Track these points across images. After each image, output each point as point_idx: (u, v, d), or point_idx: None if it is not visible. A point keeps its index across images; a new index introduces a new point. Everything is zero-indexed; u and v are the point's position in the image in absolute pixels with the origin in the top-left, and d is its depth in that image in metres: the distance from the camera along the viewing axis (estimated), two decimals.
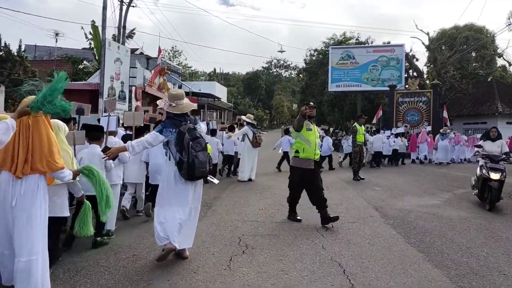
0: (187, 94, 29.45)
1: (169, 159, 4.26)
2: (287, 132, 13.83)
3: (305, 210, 6.56)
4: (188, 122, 4.29)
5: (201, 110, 32.34)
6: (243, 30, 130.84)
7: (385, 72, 28.68)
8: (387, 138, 15.88)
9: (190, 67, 59.48)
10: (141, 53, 31.19)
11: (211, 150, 9.76)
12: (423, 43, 30.53)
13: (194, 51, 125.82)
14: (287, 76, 77.96)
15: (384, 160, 16.71)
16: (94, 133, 5.01)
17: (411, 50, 31.78)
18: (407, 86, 25.84)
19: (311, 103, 6.72)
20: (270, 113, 69.51)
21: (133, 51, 28.57)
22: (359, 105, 29.54)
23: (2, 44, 22.43)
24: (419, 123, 24.22)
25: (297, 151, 6.23)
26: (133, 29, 21.41)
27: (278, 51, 28.07)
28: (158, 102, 4.57)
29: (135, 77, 14.51)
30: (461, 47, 30.17)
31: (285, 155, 13.19)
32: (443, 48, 31.70)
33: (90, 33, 21.29)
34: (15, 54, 22.80)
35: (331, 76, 29.39)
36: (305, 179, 6.13)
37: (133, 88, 13.94)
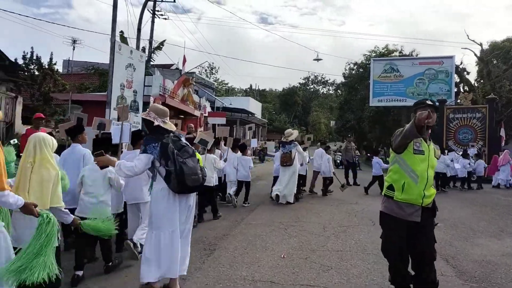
0: (217, 109, 28.75)
1: (155, 179, 3.81)
2: (324, 145, 12.22)
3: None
4: (171, 135, 3.87)
5: (234, 126, 31.09)
6: (281, 48, 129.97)
7: (432, 85, 26.34)
8: (451, 161, 14.01)
9: (227, 84, 59.40)
10: (177, 69, 30.48)
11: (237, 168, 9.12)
12: (475, 55, 27.91)
13: (231, 67, 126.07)
14: (325, 92, 76.15)
15: (449, 183, 14.71)
16: (99, 147, 4.40)
17: (461, 63, 29.16)
18: (458, 101, 23.30)
19: (429, 101, 3.67)
20: (307, 130, 67.59)
21: (168, 66, 27.90)
22: (404, 121, 27.13)
23: (34, 57, 22.20)
24: (473, 142, 21.54)
25: (390, 187, 3.63)
26: (163, 41, 20.25)
27: (314, 59, 25.75)
28: (142, 115, 4.07)
29: (151, 86, 13.03)
30: None
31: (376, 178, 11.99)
32: (494, 61, 28.96)
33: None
34: (46, 67, 22.52)
35: (373, 90, 27.32)
36: (406, 237, 3.57)
37: (151, 98, 12.48)
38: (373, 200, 10.72)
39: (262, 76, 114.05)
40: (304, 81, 73.81)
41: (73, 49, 26.82)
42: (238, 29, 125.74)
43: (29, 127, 8.52)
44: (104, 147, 4.40)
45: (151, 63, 19.18)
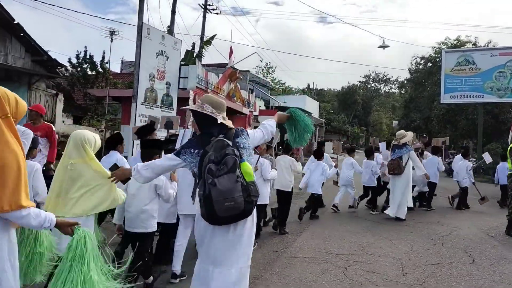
0: (271, 107, 27.27)
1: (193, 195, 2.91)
2: (350, 151, 9.75)
3: None
4: (221, 136, 2.71)
5: None
6: (341, 47, 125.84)
7: None
8: None
9: (284, 83, 57.90)
10: (232, 67, 29.48)
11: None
12: None
13: (289, 67, 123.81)
14: (387, 91, 72.08)
15: None
16: (146, 150, 3.90)
17: None
18: None
19: None
20: (367, 130, 64.29)
21: (222, 65, 26.90)
22: (480, 120, 23.97)
23: (87, 56, 22.07)
24: None
25: None
26: (213, 36, 18.99)
27: (379, 47, 23.04)
28: (193, 106, 2.92)
29: (187, 78, 11.49)
30: None
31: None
32: None
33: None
34: (98, 65, 22.42)
35: (445, 85, 24.32)
36: None
37: (191, 92, 11.01)
38: (458, 218, 8.51)
39: (320, 75, 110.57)
40: (364, 80, 70.39)
41: (111, 41, 26.29)
42: (297, 29, 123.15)
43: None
44: (148, 153, 3.80)
45: (202, 59, 18.00)
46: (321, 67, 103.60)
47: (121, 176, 2.95)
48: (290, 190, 6.78)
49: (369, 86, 70.57)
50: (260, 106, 26.43)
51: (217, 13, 21.48)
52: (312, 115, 36.18)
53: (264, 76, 47.95)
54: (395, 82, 66.50)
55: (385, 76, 69.50)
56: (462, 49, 27.78)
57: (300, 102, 34.68)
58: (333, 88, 76.02)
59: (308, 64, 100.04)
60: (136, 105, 8.28)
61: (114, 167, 2.99)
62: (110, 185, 3.00)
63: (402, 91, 49.29)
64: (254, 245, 5.63)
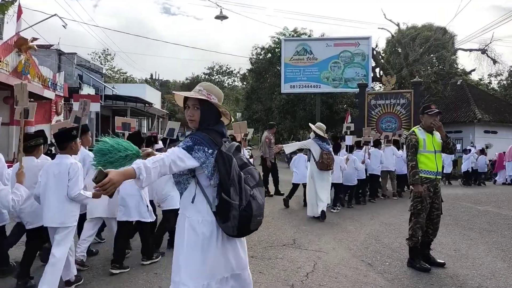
0: (107, 97, 23.47)
1: (192, 201, 2.42)
2: (335, 140, 9.41)
3: None
4: (226, 140, 2.52)
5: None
6: (185, 38, 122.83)
7: (348, 70, 23.62)
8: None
9: (125, 73, 53.41)
10: (57, 50, 24.53)
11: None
12: (393, 36, 25.69)
13: (133, 58, 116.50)
14: (230, 83, 72.53)
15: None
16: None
17: (376, 46, 26.91)
18: (380, 85, 20.73)
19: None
20: None
21: (46, 47, 21.78)
22: (318, 111, 24.18)
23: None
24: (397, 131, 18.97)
25: None
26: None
27: (216, 17, 20.31)
28: (196, 94, 2.48)
29: None
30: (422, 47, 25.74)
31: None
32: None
33: None
34: None
35: (285, 74, 23.85)
36: None
37: None
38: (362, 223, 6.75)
39: (165, 66, 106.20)
40: (208, 71, 69.58)
41: None
42: (141, 19, 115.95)
43: None
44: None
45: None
46: (167, 60, 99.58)
47: (115, 184, 2.08)
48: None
49: (213, 78, 69.96)
50: (88, 94, 22.32)
51: None
52: (154, 105, 33.20)
53: (101, 64, 43.19)
54: (237, 75, 67.14)
55: (228, 69, 69.84)
56: (300, 38, 27.92)
57: (140, 91, 31.83)
58: (179, 80, 73.74)
59: (154, 57, 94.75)
60: None
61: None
62: None
63: (244, 84, 49.41)
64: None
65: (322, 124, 8.08)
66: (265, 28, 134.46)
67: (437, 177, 4.77)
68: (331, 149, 7.91)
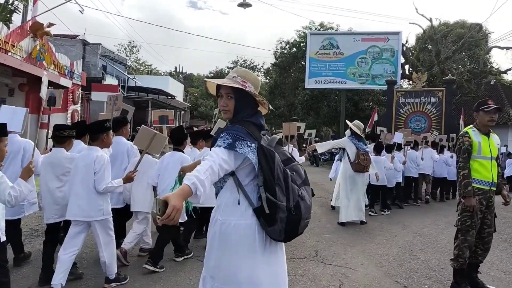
0: (130, 88, 23.30)
1: (238, 202, 2.15)
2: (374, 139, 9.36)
3: None
4: (265, 133, 2.28)
5: (146, 109, 25.75)
6: (211, 34, 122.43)
7: (376, 66, 22.69)
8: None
9: (150, 65, 53.62)
10: (82, 40, 24.59)
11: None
12: (424, 31, 24.49)
13: (158, 52, 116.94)
14: None
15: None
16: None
17: (406, 41, 25.74)
18: (411, 82, 19.72)
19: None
20: None
21: (71, 37, 22.89)
22: (342, 107, 23.33)
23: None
24: (426, 132, 17.94)
25: None
26: None
27: (239, 5, 19.05)
28: (230, 82, 2.20)
29: None
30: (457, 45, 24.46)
31: None
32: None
33: None
34: None
35: (309, 69, 23.10)
36: None
37: None
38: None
39: (190, 60, 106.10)
40: (232, 66, 69.19)
41: None
42: (168, 12, 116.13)
43: None
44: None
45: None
46: (192, 53, 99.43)
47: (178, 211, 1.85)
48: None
49: None
50: (108, 84, 22.15)
51: None
52: (176, 97, 32.98)
53: (127, 56, 43.27)
54: (261, 69, 66.52)
55: (252, 63, 69.26)
56: (326, 32, 27.04)
57: (164, 83, 31.59)
58: (203, 74, 73.63)
59: (179, 49, 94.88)
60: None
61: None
62: None
63: (268, 78, 48.76)
64: None
65: (359, 122, 7.49)
66: (291, 22, 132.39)
67: (492, 188, 4.01)
68: (368, 149, 7.33)
